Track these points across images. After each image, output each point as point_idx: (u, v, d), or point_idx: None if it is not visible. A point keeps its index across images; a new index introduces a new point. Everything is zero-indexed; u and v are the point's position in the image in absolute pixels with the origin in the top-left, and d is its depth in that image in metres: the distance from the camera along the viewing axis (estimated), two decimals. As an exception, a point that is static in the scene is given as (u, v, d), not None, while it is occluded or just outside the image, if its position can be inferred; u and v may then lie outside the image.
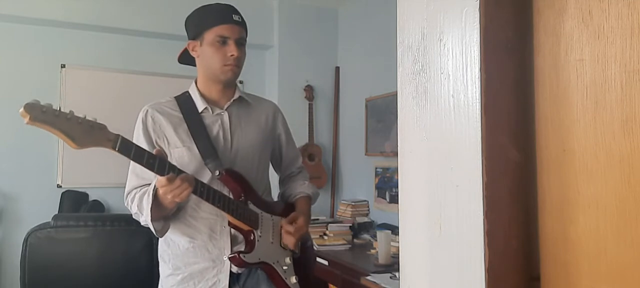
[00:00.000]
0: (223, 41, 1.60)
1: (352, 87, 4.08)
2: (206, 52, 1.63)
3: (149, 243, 2.23)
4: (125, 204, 1.64)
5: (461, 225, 0.75)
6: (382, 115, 3.67)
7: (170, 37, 3.83)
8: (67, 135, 1.27)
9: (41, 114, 1.23)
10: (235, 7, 1.69)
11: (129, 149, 1.35)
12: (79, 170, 3.63)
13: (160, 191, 1.41)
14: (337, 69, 4.24)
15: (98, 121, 1.33)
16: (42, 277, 2.19)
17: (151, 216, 1.48)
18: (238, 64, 1.63)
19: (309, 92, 4.07)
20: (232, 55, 1.60)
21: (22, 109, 1.21)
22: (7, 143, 3.49)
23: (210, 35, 1.61)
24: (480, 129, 0.72)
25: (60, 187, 3.60)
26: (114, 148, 1.33)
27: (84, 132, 1.29)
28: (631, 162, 0.62)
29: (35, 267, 2.18)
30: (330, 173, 4.15)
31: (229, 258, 1.58)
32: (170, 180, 1.37)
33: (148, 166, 1.37)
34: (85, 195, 3.65)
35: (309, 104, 4.08)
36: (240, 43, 1.62)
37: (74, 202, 3.57)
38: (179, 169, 1.42)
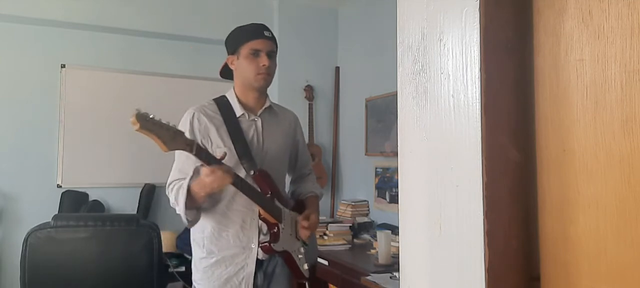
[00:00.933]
0: (256, 54, 1.85)
1: (352, 87, 4.08)
2: (242, 64, 1.87)
3: (149, 243, 2.23)
4: (167, 193, 1.85)
5: (461, 225, 0.75)
6: (382, 115, 3.66)
7: (170, 37, 3.83)
8: (162, 140, 1.50)
9: (146, 123, 1.46)
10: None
11: (202, 152, 1.63)
12: (79, 170, 3.63)
13: (207, 178, 1.63)
14: (337, 69, 4.24)
15: (177, 127, 1.58)
16: (42, 277, 2.19)
17: (185, 206, 1.70)
18: (269, 72, 1.87)
19: (309, 92, 4.07)
20: (263, 65, 1.84)
21: (133, 118, 1.43)
22: (7, 143, 3.49)
23: (245, 49, 1.85)
24: (480, 129, 0.72)
25: (60, 187, 3.60)
26: (191, 152, 1.59)
27: (171, 138, 1.53)
28: (631, 162, 0.62)
29: (35, 267, 2.17)
30: (330, 173, 4.14)
31: (261, 246, 1.83)
32: (215, 171, 1.61)
33: (207, 162, 1.63)
34: (85, 195, 3.64)
35: (309, 104, 4.08)
36: (271, 55, 1.88)
37: (74, 202, 3.57)
38: (225, 165, 1.68)
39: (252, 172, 1.81)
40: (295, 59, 4.08)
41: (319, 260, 3.09)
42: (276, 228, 1.85)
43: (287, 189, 2.13)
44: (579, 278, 0.68)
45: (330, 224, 3.52)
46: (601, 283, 0.66)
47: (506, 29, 0.74)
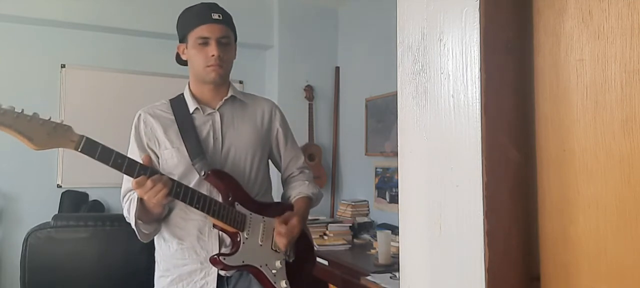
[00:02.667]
0: (204, 42, 1.60)
1: (352, 87, 4.08)
2: (191, 54, 1.64)
3: (148, 243, 2.23)
4: (121, 206, 1.66)
5: (461, 225, 0.75)
6: (382, 115, 3.66)
7: (170, 37, 3.81)
8: (26, 136, 1.29)
9: (0, 116, 1.25)
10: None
11: (94, 150, 1.36)
12: (79, 170, 3.62)
13: (137, 193, 1.43)
14: (337, 69, 4.24)
15: (64, 123, 1.35)
16: (42, 277, 2.19)
17: (139, 219, 1.50)
18: (221, 63, 1.61)
19: (309, 92, 4.07)
20: (212, 55, 1.59)
21: None
22: (7, 143, 3.47)
23: (192, 37, 1.62)
24: (480, 129, 0.72)
25: (60, 187, 3.60)
26: (77, 149, 1.34)
27: (46, 133, 1.31)
28: (631, 162, 0.62)
29: (35, 267, 2.18)
30: (330, 173, 4.14)
31: (211, 260, 1.55)
32: (140, 183, 1.38)
33: (115, 166, 1.38)
34: (85, 195, 3.64)
35: (309, 104, 4.08)
36: (223, 42, 1.61)
37: (74, 202, 3.57)
38: (152, 170, 1.43)
39: (202, 174, 1.55)
40: (295, 59, 4.08)
41: (319, 260, 3.09)
42: (237, 237, 1.57)
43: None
44: (579, 278, 0.68)
45: (330, 224, 3.52)
46: (601, 283, 0.66)
47: (506, 29, 0.74)
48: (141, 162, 1.45)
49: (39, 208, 3.30)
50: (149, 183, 1.38)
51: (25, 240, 2.18)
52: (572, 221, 0.69)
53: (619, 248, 0.63)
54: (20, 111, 1.29)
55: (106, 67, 3.73)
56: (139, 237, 1.57)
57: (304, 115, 4.04)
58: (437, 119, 0.80)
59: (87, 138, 1.36)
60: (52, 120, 1.32)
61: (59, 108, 3.59)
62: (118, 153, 1.39)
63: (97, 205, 3.65)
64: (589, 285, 0.67)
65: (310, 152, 4.03)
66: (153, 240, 1.68)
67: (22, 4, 3.37)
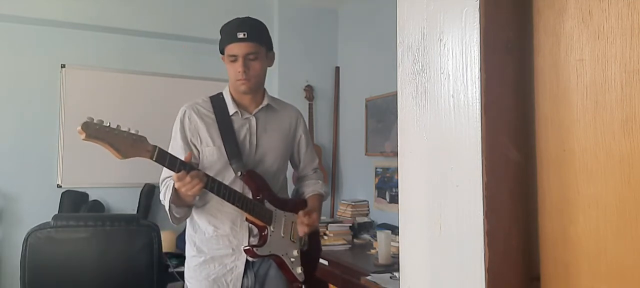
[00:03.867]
0: (234, 59, 1.80)
1: (352, 87, 4.08)
2: (227, 67, 1.85)
3: (148, 243, 2.23)
4: (160, 190, 1.82)
5: (461, 225, 0.75)
6: (382, 115, 3.66)
7: (170, 37, 3.83)
8: (115, 148, 1.45)
9: (95, 131, 1.41)
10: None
11: (164, 158, 1.57)
12: (79, 170, 3.63)
13: (176, 185, 1.61)
14: (337, 69, 4.24)
15: (139, 133, 1.52)
16: (42, 277, 2.19)
17: (171, 204, 1.69)
18: (247, 78, 1.79)
19: (309, 92, 4.07)
20: (239, 72, 1.78)
21: (79, 127, 1.38)
22: (7, 143, 3.49)
23: (225, 53, 1.82)
24: (480, 129, 0.72)
25: (60, 187, 3.60)
26: (152, 158, 1.53)
27: (128, 145, 1.48)
28: (631, 162, 0.62)
29: (35, 267, 2.17)
30: (330, 173, 4.14)
31: (245, 250, 1.78)
32: (181, 177, 1.58)
33: (173, 169, 1.59)
34: (85, 195, 3.65)
35: (309, 104, 4.08)
36: (249, 58, 1.79)
37: (74, 202, 3.57)
38: (190, 166, 1.62)
39: (239, 174, 1.77)
40: (295, 59, 4.08)
41: (319, 260, 3.09)
42: (265, 231, 1.81)
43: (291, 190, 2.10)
44: (579, 278, 0.68)
45: (330, 224, 3.52)
46: (601, 283, 0.66)
47: (506, 29, 0.74)
48: (184, 156, 1.65)
49: (39, 208, 3.30)
50: (187, 178, 1.58)
51: (25, 240, 2.18)
52: (572, 221, 0.69)
53: (619, 248, 0.63)
54: (108, 124, 1.44)
55: (106, 67, 3.74)
56: (170, 220, 1.76)
57: (304, 115, 4.04)
58: (437, 119, 0.80)
59: (159, 149, 1.56)
60: (130, 131, 1.49)
61: (59, 108, 3.60)
62: (181, 161, 1.59)
63: (97, 205, 3.65)
64: (589, 285, 0.67)
65: (310, 152, 4.03)
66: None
67: (22, 4, 3.37)
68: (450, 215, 0.77)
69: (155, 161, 1.53)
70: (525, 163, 0.75)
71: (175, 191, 1.65)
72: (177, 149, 1.77)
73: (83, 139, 1.38)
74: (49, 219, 2.26)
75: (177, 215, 1.76)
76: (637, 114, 0.61)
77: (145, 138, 1.53)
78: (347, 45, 4.18)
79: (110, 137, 1.44)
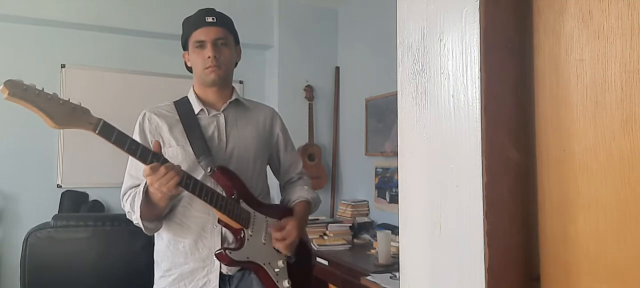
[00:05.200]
0: (201, 45, 1.65)
1: (352, 87, 4.08)
2: (191, 59, 1.69)
3: (148, 243, 2.23)
4: (121, 205, 1.65)
5: (461, 225, 0.75)
6: (382, 115, 3.66)
7: (170, 37, 3.83)
8: (46, 113, 1.28)
9: (21, 91, 1.24)
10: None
11: (110, 133, 1.35)
12: (79, 170, 3.63)
13: (148, 182, 1.42)
14: (337, 69, 4.24)
15: (82, 105, 1.34)
16: (42, 277, 2.19)
17: (142, 214, 1.50)
18: (218, 64, 1.64)
19: (309, 92, 4.07)
20: (208, 57, 1.63)
21: (2, 85, 1.21)
22: (7, 143, 3.49)
23: (190, 42, 1.67)
24: (480, 129, 0.72)
25: (60, 187, 3.60)
26: (94, 131, 1.33)
27: (65, 113, 1.30)
28: (631, 162, 0.62)
29: (35, 267, 2.18)
30: (330, 173, 4.14)
31: (216, 255, 1.56)
32: (154, 169, 1.37)
33: (130, 152, 1.38)
34: (85, 195, 3.64)
35: (309, 104, 4.08)
36: (219, 43, 1.65)
37: (74, 202, 3.57)
38: (164, 158, 1.42)
39: (209, 170, 1.56)
40: (295, 59, 4.08)
41: (319, 260, 3.09)
42: (241, 234, 1.59)
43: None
44: (579, 278, 0.68)
45: (330, 224, 3.52)
46: (601, 283, 0.66)
47: (506, 29, 0.74)
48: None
49: (39, 208, 3.30)
50: (162, 170, 1.38)
51: (25, 240, 2.18)
52: (572, 221, 0.69)
53: (619, 248, 0.63)
54: (41, 89, 1.28)
55: (106, 67, 3.73)
56: (144, 231, 1.58)
57: (304, 115, 4.04)
58: (437, 119, 0.80)
59: (104, 121, 1.35)
60: (70, 101, 1.32)
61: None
62: (133, 140, 1.39)
63: (97, 205, 3.65)
64: (589, 285, 0.67)
65: (310, 152, 4.03)
66: (153, 241, 1.69)
67: (22, 4, 3.37)
68: (450, 215, 0.77)
69: (99, 134, 1.33)
70: (525, 163, 0.75)
71: (146, 197, 1.47)
72: None
73: (5, 98, 1.21)
74: (49, 219, 2.26)
75: (150, 227, 1.57)
76: (637, 113, 0.61)
77: (89, 110, 1.35)
78: (347, 45, 4.18)
79: (41, 101, 1.26)
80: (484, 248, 0.71)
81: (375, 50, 3.74)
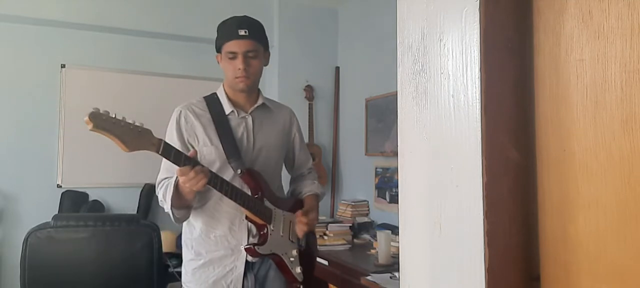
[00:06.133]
0: (233, 56, 1.79)
1: (352, 87, 4.08)
2: (224, 66, 1.84)
3: (148, 243, 2.23)
4: (156, 193, 1.82)
5: (461, 225, 0.75)
6: (382, 115, 3.66)
7: (170, 37, 3.83)
8: (122, 140, 1.43)
9: (102, 122, 1.39)
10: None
11: (169, 152, 1.54)
12: (79, 170, 3.63)
13: (180, 180, 1.59)
14: (337, 69, 4.24)
15: (144, 126, 1.49)
16: (42, 277, 2.19)
17: (172, 204, 1.67)
18: (247, 75, 1.79)
19: (309, 92, 4.07)
20: (239, 69, 1.77)
21: (86, 117, 1.36)
22: (7, 143, 3.49)
23: (224, 50, 1.81)
24: (480, 129, 0.72)
25: (60, 187, 3.60)
26: (157, 152, 1.51)
27: (134, 137, 1.46)
28: (631, 162, 0.62)
29: (35, 267, 2.17)
30: (330, 173, 4.14)
31: (245, 249, 1.77)
32: (184, 171, 1.56)
33: (177, 163, 1.56)
34: (85, 195, 3.64)
35: (309, 104, 4.08)
36: (249, 56, 1.79)
37: (74, 202, 3.57)
38: (195, 161, 1.60)
39: (239, 171, 1.75)
40: (295, 59, 4.08)
41: (319, 260, 3.09)
42: (265, 229, 1.79)
43: (286, 189, 2.08)
44: (579, 278, 0.68)
45: (330, 224, 3.52)
46: (601, 283, 0.66)
47: (506, 29, 0.74)
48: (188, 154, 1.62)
49: (39, 208, 3.30)
50: (191, 173, 1.55)
51: (25, 240, 2.18)
52: (572, 221, 0.69)
53: (619, 248, 0.63)
54: (114, 116, 1.41)
55: (106, 67, 3.74)
56: (173, 220, 1.75)
57: (304, 115, 4.04)
58: (437, 119, 0.80)
59: (165, 142, 1.53)
60: (135, 123, 1.46)
61: (58, 108, 3.59)
62: (186, 156, 1.58)
63: (97, 205, 3.65)
64: (589, 285, 0.67)
65: (310, 152, 4.01)
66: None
67: (22, 4, 3.37)
68: (450, 215, 0.77)
69: (161, 154, 1.51)
70: (525, 163, 0.75)
71: (176, 190, 1.64)
72: None
73: (90, 129, 1.36)
74: (49, 219, 2.26)
75: (178, 216, 1.75)
76: (637, 113, 0.61)
77: (150, 131, 1.51)
78: (347, 45, 4.18)
79: (117, 129, 1.41)
80: (484, 248, 0.71)
81: (375, 50, 3.73)
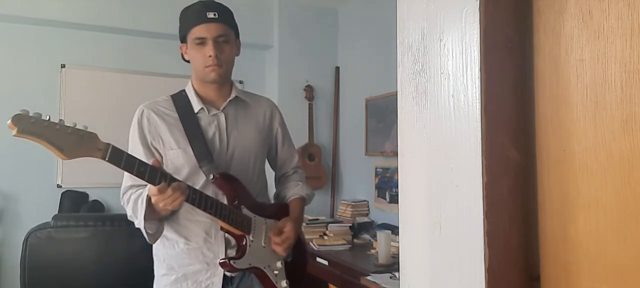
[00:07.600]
0: (201, 42, 1.58)
1: (352, 87, 4.08)
2: (191, 55, 1.63)
3: (148, 243, 2.24)
4: (121, 203, 1.63)
5: (461, 225, 0.75)
6: (382, 115, 3.66)
7: (170, 37, 3.82)
8: (56, 146, 1.22)
9: (30, 126, 1.17)
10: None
11: (119, 159, 1.32)
12: (79, 170, 3.62)
13: (153, 200, 1.41)
14: (337, 69, 4.24)
15: (89, 130, 1.29)
16: (42, 277, 2.19)
17: (145, 219, 1.48)
18: (219, 63, 1.59)
19: (309, 92, 4.07)
20: (209, 56, 1.57)
21: (9, 121, 1.15)
22: (7, 143, 3.48)
23: (190, 37, 1.60)
24: (480, 129, 0.72)
25: (60, 187, 3.60)
26: (104, 158, 1.29)
27: (74, 143, 1.25)
28: (631, 162, 0.62)
29: (35, 267, 2.18)
30: (330, 173, 4.14)
31: (220, 264, 1.57)
32: (162, 190, 1.36)
33: (139, 175, 1.35)
34: (85, 195, 3.64)
35: (309, 104, 4.08)
36: (220, 41, 1.59)
37: (74, 202, 3.57)
38: (171, 177, 1.40)
39: (211, 177, 1.55)
40: (295, 59, 4.08)
41: (319, 260, 3.09)
42: (244, 241, 1.58)
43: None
44: (579, 278, 0.68)
45: (330, 224, 3.52)
46: (601, 283, 0.66)
47: (506, 29, 0.74)
48: (150, 163, 1.40)
49: (39, 208, 3.30)
50: (169, 191, 1.36)
51: (25, 240, 2.18)
52: (572, 221, 0.69)
53: (619, 248, 0.63)
54: (47, 119, 1.21)
55: (106, 67, 3.73)
56: (147, 239, 1.56)
57: (304, 115, 4.04)
58: (437, 119, 0.80)
59: (113, 147, 1.32)
60: (77, 127, 1.27)
61: (59, 108, 3.59)
62: (140, 162, 1.36)
63: (97, 205, 3.65)
64: (589, 285, 0.67)
65: (310, 152, 4.03)
66: None
67: (22, 4, 3.37)
68: (450, 215, 0.77)
69: (109, 162, 1.29)
70: (525, 163, 0.75)
71: (148, 203, 1.44)
72: (137, 155, 1.47)
73: (14, 135, 1.15)
74: (49, 219, 2.26)
75: (150, 232, 1.54)
76: (637, 114, 0.61)
77: (96, 135, 1.30)
78: (347, 45, 4.18)
79: (50, 133, 1.20)
80: (484, 248, 0.71)
81: (375, 50, 3.73)
